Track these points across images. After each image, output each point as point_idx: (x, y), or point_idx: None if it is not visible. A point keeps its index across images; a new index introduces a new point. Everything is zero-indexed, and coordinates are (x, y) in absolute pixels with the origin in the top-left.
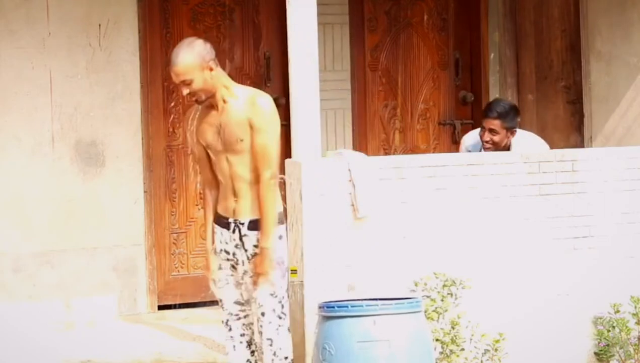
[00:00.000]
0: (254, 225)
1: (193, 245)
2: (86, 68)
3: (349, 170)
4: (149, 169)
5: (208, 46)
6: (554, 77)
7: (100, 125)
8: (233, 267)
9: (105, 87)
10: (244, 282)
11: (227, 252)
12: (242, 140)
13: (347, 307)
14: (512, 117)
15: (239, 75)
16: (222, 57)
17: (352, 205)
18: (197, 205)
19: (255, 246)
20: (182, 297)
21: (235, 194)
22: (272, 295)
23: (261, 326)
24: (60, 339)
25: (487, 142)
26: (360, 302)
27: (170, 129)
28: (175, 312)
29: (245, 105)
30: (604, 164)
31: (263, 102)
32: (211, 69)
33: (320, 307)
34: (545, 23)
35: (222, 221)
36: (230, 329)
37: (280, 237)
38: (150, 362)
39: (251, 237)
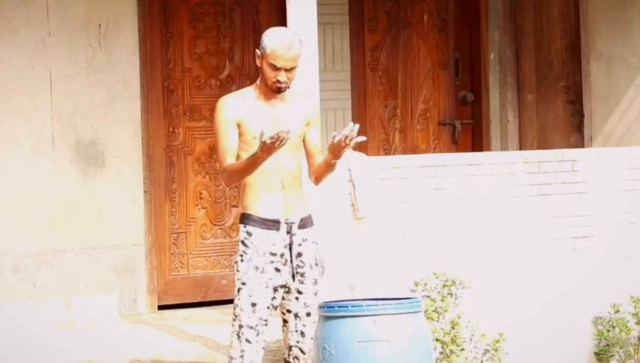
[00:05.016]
0: (303, 222)
1: (193, 245)
2: (86, 68)
3: (349, 170)
4: (149, 168)
5: None
6: (554, 77)
7: (100, 125)
8: (277, 269)
9: (105, 87)
10: (288, 285)
11: (273, 254)
12: (300, 136)
13: (347, 307)
14: None
15: (239, 75)
16: (222, 57)
17: (352, 205)
18: (197, 205)
19: (300, 245)
20: (182, 297)
21: (284, 191)
22: (315, 295)
23: (304, 325)
24: (60, 339)
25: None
26: (360, 302)
27: (170, 129)
28: (175, 312)
29: (304, 101)
30: (604, 164)
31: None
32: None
33: (320, 307)
34: (545, 23)
35: (266, 223)
36: (257, 334)
37: (309, 240)
38: (150, 362)
39: (299, 235)
